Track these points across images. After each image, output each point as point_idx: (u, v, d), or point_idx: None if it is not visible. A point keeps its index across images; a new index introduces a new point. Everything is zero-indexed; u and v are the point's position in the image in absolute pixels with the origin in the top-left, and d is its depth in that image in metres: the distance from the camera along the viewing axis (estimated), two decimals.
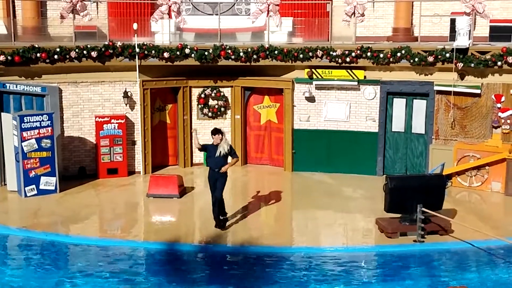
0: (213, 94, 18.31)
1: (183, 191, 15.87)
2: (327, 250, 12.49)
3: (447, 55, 16.32)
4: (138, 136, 17.68)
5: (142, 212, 15.25)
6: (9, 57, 16.04)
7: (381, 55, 16.92)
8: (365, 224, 13.97)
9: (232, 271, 11.62)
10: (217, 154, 13.04)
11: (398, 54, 16.79)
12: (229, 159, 13.33)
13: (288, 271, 11.50)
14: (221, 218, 13.41)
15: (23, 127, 15.23)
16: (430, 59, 16.48)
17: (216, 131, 13.21)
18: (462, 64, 16.18)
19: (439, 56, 16.41)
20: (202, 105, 18.34)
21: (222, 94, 18.36)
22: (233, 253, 12.43)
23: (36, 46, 16.38)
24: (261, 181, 17.65)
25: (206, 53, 17.36)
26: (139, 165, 17.76)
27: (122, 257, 12.18)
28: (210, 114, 18.41)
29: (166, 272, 11.50)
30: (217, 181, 13.16)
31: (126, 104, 17.46)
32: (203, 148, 13.37)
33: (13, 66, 16.24)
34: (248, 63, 17.63)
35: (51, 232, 13.31)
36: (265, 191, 16.27)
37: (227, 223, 13.54)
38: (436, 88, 16.67)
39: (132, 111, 17.60)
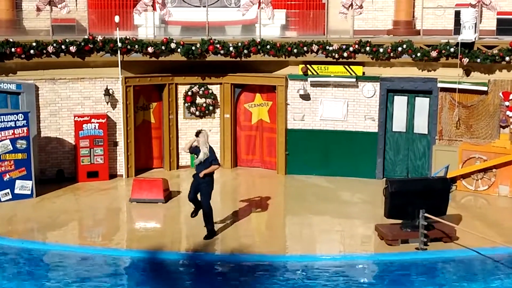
0: (200, 92, 18.31)
1: (169, 195, 15.86)
2: (323, 259, 12.50)
3: (452, 49, 16.38)
4: (120, 137, 17.66)
5: (125, 218, 15.24)
6: None
7: (381, 50, 16.97)
8: (364, 231, 14.00)
9: (221, 281, 11.62)
10: (198, 159, 13.02)
11: (399, 49, 16.84)
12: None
13: (281, 281, 11.50)
14: (207, 228, 13.34)
15: None
16: (434, 54, 16.54)
17: (197, 132, 13.24)
18: (467, 60, 16.25)
19: (443, 51, 16.47)
20: (189, 104, 18.34)
21: (210, 91, 18.37)
22: (222, 262, 12.43)
23: (11, 40, 16.35)
24: (252, 185, 17.65)
25: (193, 47, 17.35)
26: (121, 168, 17.74)
27: (103, 266, 12.16)
28: (197, 113, 18.41)
29: (150, 282, 11.48)
30: (200, 186, 13.09)
31: (107, 103, 17.43)
32: (193, 150, 13.28)
33: None
34: (238, 59, 17.64)
35: (27, 240, 13.26)
36: (257, 196, 16.27)
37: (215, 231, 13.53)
38: (439, 85, 16.73)
39: (114, 110, 17.58)
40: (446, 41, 16.59)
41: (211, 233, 13.24)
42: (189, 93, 18.28)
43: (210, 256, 12.62)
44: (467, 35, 16.21)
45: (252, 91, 18.55)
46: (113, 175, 17.60)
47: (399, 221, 13.17)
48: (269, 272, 11.90)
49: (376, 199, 15.37)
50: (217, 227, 13.82)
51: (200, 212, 13.32)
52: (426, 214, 12.60)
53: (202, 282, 11.71)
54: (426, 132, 17.27)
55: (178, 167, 18.39)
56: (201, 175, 12.99)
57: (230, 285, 11.45)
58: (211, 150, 13.21)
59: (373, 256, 12.78)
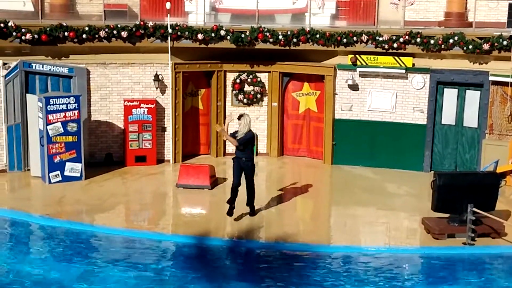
0: (249, 80, 18.24)
1: (215, 182, 15.86)
2: (368, 250, 12.35)
3: (504, 42, 15.96)
4: (168, 123, 17.72)
5: (171, 203, 15.31)
6: (35, 36, 16.19)
7: (432, 42, 16.62)
8: (409, 224, 13.78)
9: (264, 269, 11.56)
10: (239, 134, 13.27)
11: (451, 41, 16.47)
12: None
13: (324, 271, 11.40)
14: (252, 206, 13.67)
15: (48, 109, 15.38)
16: (486, 46, 16.14)
17: (239, 116, 13.42)
18: None
19: (496, 44, 16.05)
20: (237, 91, 18.29)
21: (258, 79, 18.28)
22: (266, 249, 12.37)
23: (64, 24, 16.51)
24: (298, 174, 17.54)
25: (242, 35, 17.27)
26: (168, 153, 17.81)
27: (149, 249, 12.24)
28: (245, 100, 18.35)
29: (194, 267, 11.50)
30: (247, 171, 13.32)
31: (156, 88, 17.50)
32: (233, 136, 13.39)
33: (40, 45, 16.40)
34: (287, 47, 17.50)
35: (76, 221, 13.44)
36: (302, 185, 16.16)
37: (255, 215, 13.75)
38: (491, 78, 16.32)
39: (162, 95, 17.64)
40: (499, 34, 16.16)
41: (254, 210, 13.58)
42: (238, 80, 18.22)
43: (254, 244, 12.58)
44: None
45: (300, 80, 18.39)
46: (160, 160, 17.69)
47: (447, 215, 12.92)
48: (313, 262, 11.80)
49: (423, 192, 15.11)
50: (261, 214, 13.80)
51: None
52: (474, 209, 12.31)
53: (246, 269, 11.69)
54: (476, 126, 16.87)
55: (224, 154, 18.38)
56: (218, 129, 13.54)
57: (273, 273, 11.37)
58: (248, 133, 13.27)
59: (419, 249, 12.57)
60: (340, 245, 12.56)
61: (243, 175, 13.36)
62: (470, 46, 16.31)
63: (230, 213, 13.34)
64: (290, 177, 17.37)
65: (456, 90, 17.04)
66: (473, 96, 16.87)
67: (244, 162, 13.23)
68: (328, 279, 11.08)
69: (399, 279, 11.24)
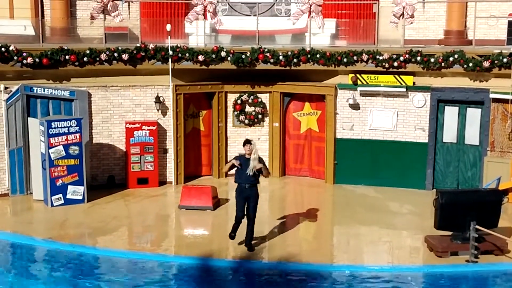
0: (250, 100, 18.43)
1: (217, 203, 15.99)
2: (371, 269, 12.43)
3: (505, 60, 16.14)
4: (170, 144, 17.89)
5: (173, 225, 15.42)
6: (37, 59, 16.42)
7: (432, 60, 16.82)
8: (412, 242, 13.87)
9: None
10: (248, 171, 12.77)
11: (451, 59, 16.67)
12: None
13: None
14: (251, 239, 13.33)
15: (50, 132, 15.56)
16: (486, 64, 16.32)
17: (246, 142, 13.00)
18: None
19: (496, 61, 16.24)
20: (238, 112, 18.47)
21: (259, 100, 18.47)
22: (269, 270, 12.46)
23: (65, 48, 16.74)
24: (300, 194, 17.67)
25: (243, 56, 17.50)
26: (170, 175, 17.96)
27: (152, 271, 12.33)
28: (246, 121, 18.53)
29: None
30: (250, 198, 12.96)
31: (158, 110, 17.69)
32: (232, 167, 13.05)
33: (41, 68, 16.63)
34: (287, 67, 17.71)
35: (78, 244, 13.56)
36: (305, 205, 16.27)
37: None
38: (492, 95, 16.49)
39: (164, 117, 17.83)
40: (499, 51, 16.36)
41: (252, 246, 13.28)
42: (239, 101, 18.41)
43: (257, 264, 12.68)
44: None
45: (301, 100, 18.58)
46: (162, 182, 17.83)
47: (449, 233, 13.02)
48: (316, 281, 11.89)
49: (425, 210, 15.24)
50: (264, 235, 13.90)
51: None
52: (477, 226, 12.43)
53: None
54: (478, 143, 17.01)
55: (226, 175, 18.47)
56: (258, 166, 12.83)
57: None
58: (262, 160, 13.10)
59: (422, 267, 12.64)
60: (343, 264, 12.65)
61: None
62: (470, 64, 16.49)
63: (234, 236, 13.20)
64: (292, 197, 17.51)
65: (457, 108, 17.20)
66: (474, 114, 17.03)
67: (251, 188, 12.92)
68: None
69: None
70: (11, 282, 11.93)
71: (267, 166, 13.41)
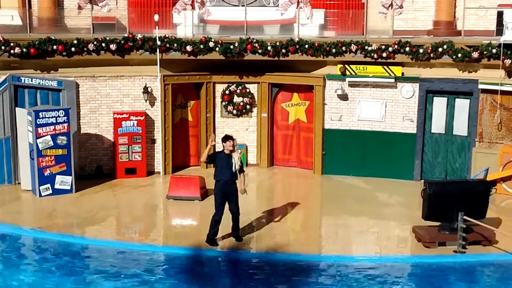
0: (238, 91, 18.37)
1: (205, 193, 15.94)
2: (359, 260, 12.43)
3: (494, 50, 16.15)
4: (158, 134, 17.82)
5: (162, 215, 15.37)
6: (24, 50, 16.31)
7: (421, 51, 16.81)
8: (400, 232, 13.90)
9: (255, 279, 11.62)
10: (233, 167, 12.61)
11: (440, 50, 16.66)
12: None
13: (316, 281, 11.48)
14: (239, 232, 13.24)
15: (38, 123, 15.45)
16: (475, 55, 16.33)
17: (228, 138, 12.77)
18: (510, 61, 16.00)
19: (485, 52, 16.25)
20: (226, 102, 18.42)
21: (248, 90, 18.41)
22: (257, 260, 12.44)
23: (53, 38, 16.62)
24: (288, 184, 17.65)
25: (231, 46, 17.42)
26: (158, 165, 17.89)
27: (140, 261, 12.28)
28: (234, 112, 18.47)
29: (186, 278, 11.56)
30: (231, 195, 12.77)
31: (146, 100, 17.60)
32: (211, 159, 12.88)
33: (29, 58, 16.53)
34: (276, 58, 17.66)
35: (67, 234, 13.48)
36: (293, 195, 16.26)
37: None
38: (481, 86, 16.49)
39: (152, 107, 17.74)
40: (488, 42, 16.37)
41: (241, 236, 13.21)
42: (227, 92, 18.34)
43: (245, 254, 12.64)
44: (510, 36, 15.95)
45: (289, 91, 18.53)
46: (150, 172, 17.76)
47: (437, 224, 13.03)
48: (304, 271, 11.89)
49: (414, 201, 15.27)
50: (252, 225, 13.89)
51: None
52: (465, 217, 12.44)
53: (237, 279, 11.76)
54: (466, 134, 17.03)
55: (207, 166, 18.40)
56: (243, 189, 12.76)
57: (265, 283, 11.45)
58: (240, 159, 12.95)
59: (410, 258, 12.66)
60: (331, 255, 12.64)
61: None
62: (459, 55, 16.50)
63: (214, 242, 12.89)
64: (280, 187, 17.50)
65: (446, 98, 17.21)
66: (462, 105, 17.04)
67: (232, 185, 12.75)
68: None
69: (391, 287, 11.32)
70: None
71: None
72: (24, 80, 16.47)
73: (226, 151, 12.72)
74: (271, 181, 17.81)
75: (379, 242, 13.66)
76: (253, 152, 18.76)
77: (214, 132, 18.28)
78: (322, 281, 11.45)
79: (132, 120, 17.23)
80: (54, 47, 16.54)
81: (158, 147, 17.83)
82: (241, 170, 12.85)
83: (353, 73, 17.42)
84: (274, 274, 11.81)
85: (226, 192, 12.73)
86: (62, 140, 15.78)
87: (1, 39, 16.13)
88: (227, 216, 12.94)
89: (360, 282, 11.45)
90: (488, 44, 16.25)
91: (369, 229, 14.14)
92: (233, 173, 12.70)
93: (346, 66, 17.43)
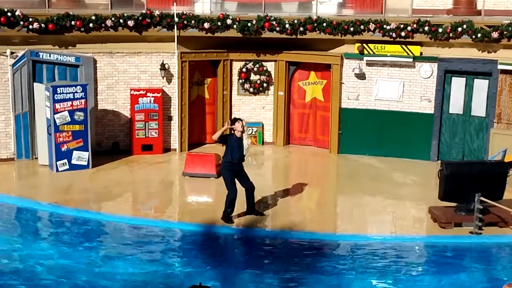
0: (255, 69, 18.24)
1: (221, 171, 15.86)
2: (374, 239, 12.36)
3: None
4: (174, 112, 17.75)
5: (177, 192, 15.37)
6: (42, 25, 16.23)
7: (440, 30, 16.56)
8: (416, 213, 13.79)
9: (270, 257, 11.60)
10: (245, 150, 12.65)
11: (459, 29, 16.40)
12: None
13: (330, 259, 11.43)
14: (253, 211, 13.21)
15: (56, 98, 15.44)
16: (495, 35, 16.04)
17: (236, 120, 12.80)
18: None
19: (505, 32, 15.95)
20: (243, 80, 18.30)
21: (265, 68, 18.27)
22: (272, 238, 12.42)
23: (71, 13, 16.52)
24: (304, 163, 17.57)
25: (249, 24, 17.26)
26: (175, 142, 17.86)
27: (155, 237, 12.29)
28: (251, 89, 18.36)
29: (200, 255, 11.55)
30: (240, 172, 12.80)
31: (163, 77, 17.52)
32: (223, 139, 12.78)
33: (47, 34, 16.43)
34: (293, 36, 17.47)
35: (83, 209, 13.52)
36: (308, 174, 16.19)
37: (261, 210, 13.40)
38: (500, 67, 16.23)
39: (169, 84, 17.67)
40: (509, 22, 16.05)
41: (255, 211, 13.20)
42: (244, 69, 18.22)
43: (259, 232, 12.62)
44: None
45: (306, 69, 18.37)
46: (166, 149, 17.73)
47: (454, 204, 12.91)
48: (319, 250, 11.84)
49: (430, 181, 15.14)
50: (267, 203, 13.83)
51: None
52: (481, 198, 12.31)
53: (251, 257, 11.72)
54: (484, 115, 16.80)
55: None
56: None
57: (278, 261, 11.41)
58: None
59: (426, 238, 12.59)
60: (346, 234, 12.59)
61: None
62: (479, 35, 16.22)
63: (230, 220, 12.90)
64: (296, 166, 17.42)
65: (464, 79, 16.96)
66: (481, 85, 16.79)
67: (241, 164, 12.81)
68: (334, 267, 11.10)
69: (405, 267, 11.25)
70: (15, 246, 11.90)
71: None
72: (42, 55, 16.45)
73: (238, 134, 12.69)
74: (287, 160, 17.73)
75: (395, 222, 13.59)
76: (269, 130, 18.66)
77: (230, 109, 18.21)
78: (337, 260, 11.39)
79: (149, 96, 17.17)
80: (72, 22, 16.46)
81: (175, 124, 17.78)
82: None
83: (371, 52, 17.22)
84: (288, 253, 11.78)
85: (234, 171, 12.76)
86: (79, 116, 15.77)
87: (20, 14, 16.07)
88: (241, 193, 12.89)
89: (374, 262, 11.38)
90: (508, 24, 15.95)
91: (384, 208, 14.04)
92: (242, 156, 12.75)
93: (364, 45, 17.22)
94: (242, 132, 12.70)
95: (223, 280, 10.61)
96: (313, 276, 10.77)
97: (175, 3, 17.15)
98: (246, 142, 12.71)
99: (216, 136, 12.79)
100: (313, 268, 11.06)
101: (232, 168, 12.75)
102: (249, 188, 12.96)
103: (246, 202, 13.05)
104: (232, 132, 12.79)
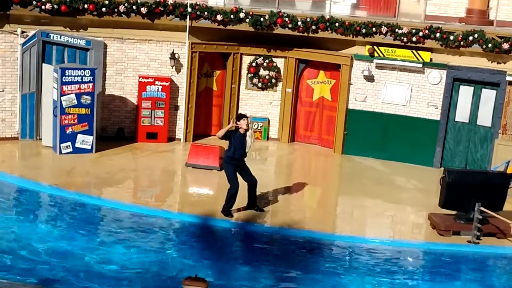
0: (265, 64, 18.18)
1: None
2: (372, 242, 12.32)
3: None
4: (181, 101, 17.71)
5: (179, 182, 15.34)
6: (55, 6, 16.20)
7: (451, 38, 16.48)
8: (415, 218, 13.75)
9: (268, 253, 11.59)
10: (247, 147, 12.63)
11: (470, 38, 16.32)
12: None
13: (327, 259, 11.41)
14: (254, 206, 13.18)
15: (63, 80, 15.40)
16: (505, 46, 15.97)
17: (242, 116, 12.72)
18: None
19: None
20: (252, 75, 18.24)
21: (274, 64, 18.21)
22: (271, 234, 12.38)
23: None
24: (308, 162, 17.53)
25: (261, 19, 17.19)
26: (180, 132, 17.82)
27: (154, 226, 12.27)
28: (259, 84, 18.30)
29: (198, 247, 11.54)
30: (241, 167, 12.77)
31: (172, 66, 17.48)
32: (227, 136, 12.68)
33: (59, 15, 16.39)
34: (305, 34, 17.41)
35: (84, 193, 13.48)
36: (311, 172, 16.16)
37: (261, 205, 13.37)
38: (508, 78, 16.16)
39: (178, 74, 17.62)
40: None
41: (258, 207, 13.18)
42: (253, 64, 18.16)
43: (258, 227, 12.58)
44: None
45: (316, 68, 18.30)
46: (171, 138, 17.70)
47: (454, 212, 12.86)
48: (316, 249, 11.81)
49: (431, 188, 15.09)
50: (268, 199, 13.80)
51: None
52: (482, 208, 12.26)
53: (248, 252, 11.71)
54: (490, 125, 16.74)
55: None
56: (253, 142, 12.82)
57: (275, 258, 11.40)
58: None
59: (423, 244, 12.53)
60: (345, 235, 12.54)
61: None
62: (490, 45, 16.14)
63: (229, 214, 12.87)
64: (300, 164, 17.39)
65: (472, 88, 16.89)
66: (488, 95, 16.72)
67: (241, 161, 12.75)
68: (328, 267, 11.08)
69: (400, 272, 11.23)
70: (15, 226, 11.90)
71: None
72: (53, 36, 16.41)
73: (242, 131, 12.64)
74: (290, 157, 17.69)
75: (394, 226, 13.54)
76: (275, 126, 18.62)
77: (237, 103, 18.19)
78: (334, 261, 11.38)
79: (157, 85, 17.13)
80: (85, 6, 16.42)
81: (181, 114, 17.74)
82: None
83: (381, 55, 17.15)
84: (286, 250, 11.74)
85: (235, 165, 12.72)
86: (86, 99, 15.74)
87: None
88: (243, 187, 12.85)
89: (370, 265, 11.35)
90: None
91: (384, 212, 14.00)
92: (244, 152, 12.73)
93: (375, 47, 17.15)
94: (247, 130, 12.64)
95: (219, 273, 10.57)
96: (309, 275, 10.73)
97: None
98: (249, 140, 12.66)
99: (220, 134, 12.70)
100: (309, 267, 11.03)
101: (233, 163, 12.72)
102: (252, 182, 12.93)
103: (248, 197, 13.02)
104: (237, 128, 12.73)
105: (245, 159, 12.89)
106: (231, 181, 12.70)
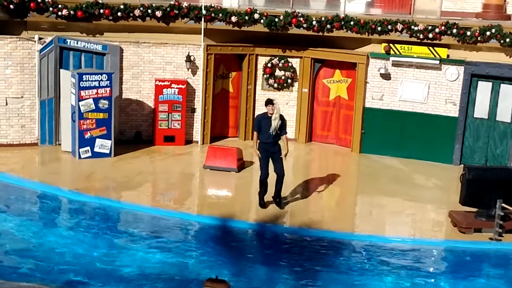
0: (280, 64, 18.12)
1: (242, 165, 15.82)
2: (392, 241, 12.22)
3: None
4: (198, 104, 17.71)
5: (197, 184, 15.32)
6: (71, 12, 16.30)
7: (468, 33, 16.32)
8: (436, 216, 13.61)
9: (287, 253, 11.52)
10: (271, 130, 12.79)
11: (487, 33, 16.15)
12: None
13: (347, 258, 11.34)
14: (280, 197, 13.30)
15: (81, 85, 15.46)
16: None
17: (268, 102, 12.93)
18: None
19: None
20: (268, 75, 18.20)
21: (290, 64, 18.15)
22: (290, 234, 12.33)
23: (100, 2, 16.55)
24: (325, 161, 17.45)
25: (276, 19, 17.15)
26: (197, 134, 17.82)
27: (174, 228, 12.28)
28: (275, 85, 18.25)
29: (217, 248, 11.52)
30: (274, 154, 12.96)
31: (188, 69, 17.48)
32: (256, 125, 13.05)
33: (75, 21, 16.49)
34: (320, 33, 17.33)
35: (104, 197, 13.52)
36: (329, 172, 16.04)
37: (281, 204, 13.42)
38: None
39: (194, 76, 17.62)
40: None
41: (278, 202, 13.30)
42: (269, 64, 18.11)
43: (278, 228, 12.53)
44: None
45: (332, 67, 18.21)
46: (188, 141, 17.70)
47: (474, 209, 12.72)
48: (335, 249, 11.73)
49: (451, 185, 14.94)
50: (287, 200, 13.75)
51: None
52: (503, 205, 12.12)
53: (268, 253, 11.67)
54: (509, 121, 16.54)
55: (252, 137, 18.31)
56: (284, 154, 12.96)
57: (294, 258, 11.33)
58: (282, 118, 13.04)
59: (444, 242, 12.40)
60: (364, 234, 12.45)
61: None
62: (507, 40, 15.97)
63: (264, 206, 13.19)
64: (317, 164, 17.30)
65: (491, 83, 16.71)
66: (507, 90, 16.53)
67: (274, 146, 12.96)
68: (350, 267, 11.01)
69: (422, 270, 11.13)
70: (35, 230, 11.95)
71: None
72: (70, 42, 16.49)
73: (269, 114, 12.89)
74: (308, 157, 17.61)
75: (414, 224, 13.42)
76: (292, 126, 18.53)
77: (254, 104, 18.15)
78: (354, 260, 11.30)
79: (174, 88, 17.14)
80: (101, 11, 16.50)
81: (198, 116, 17.74)
82: (283, 132, 12.99)
83: (397, 53, 17.03)
84: (305, 250, 11.68)
85: (268, 151, 12.92)
86: (103, 104, 15.78)
87: (49, 0, 16.12)
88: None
89: (391, 264, 11.25)
90: None
91: (404, 210, 13.87)
92: (274, 135, 12.87)
93: (391, 45, 17.03)
94: (272, 114, 12.84)
95: (238, 275, 10.54)
96: (329, 275, 10.68)
97: None
98: (274, 122, 12.82)
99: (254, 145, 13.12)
100: (329, 267, 10.97)
101: (266, 148, 12.92)
102: (278, 175, 13.02)
103: (275, 186, 13.13)
104: (266, 112, 12.99)
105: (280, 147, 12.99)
106: (261, 167, 13.00)
